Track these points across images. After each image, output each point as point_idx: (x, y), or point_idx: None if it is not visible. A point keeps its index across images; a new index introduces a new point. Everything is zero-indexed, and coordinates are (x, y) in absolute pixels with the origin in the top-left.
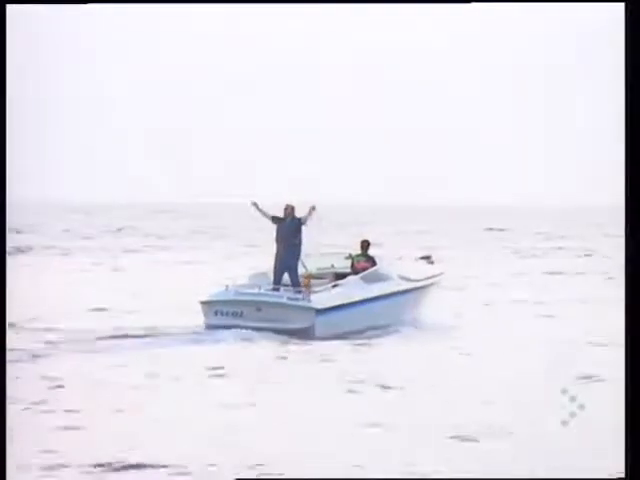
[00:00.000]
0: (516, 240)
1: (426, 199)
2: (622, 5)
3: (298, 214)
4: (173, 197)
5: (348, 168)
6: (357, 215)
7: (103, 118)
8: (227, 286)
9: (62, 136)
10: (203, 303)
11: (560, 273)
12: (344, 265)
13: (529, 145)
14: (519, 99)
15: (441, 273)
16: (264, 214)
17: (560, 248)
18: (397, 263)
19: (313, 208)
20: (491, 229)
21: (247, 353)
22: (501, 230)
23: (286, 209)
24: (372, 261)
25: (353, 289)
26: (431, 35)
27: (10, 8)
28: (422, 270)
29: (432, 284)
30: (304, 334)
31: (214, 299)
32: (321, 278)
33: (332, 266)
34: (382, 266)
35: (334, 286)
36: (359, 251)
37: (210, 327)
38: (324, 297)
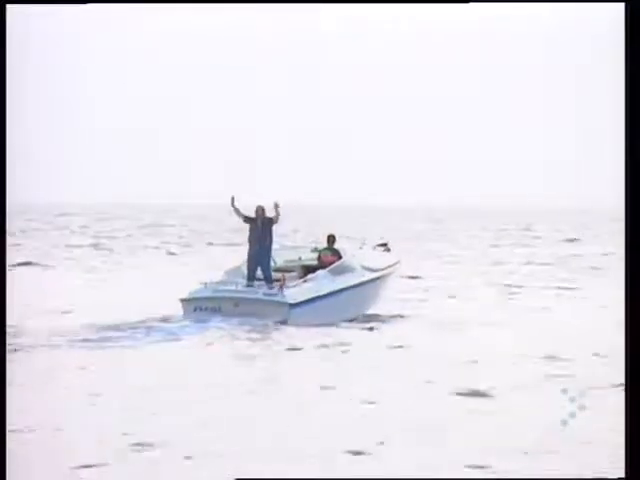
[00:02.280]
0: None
1: (425, 200)
2: (622, 5)
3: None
4: (174, 198)
5: (346, 169)
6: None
7: (103, 118)
8: (205, 284)
9: (61, 136)
10: (183, 300)
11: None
12: (311, 257)
13: (528, 146)
14: (519, 99)
15: (398, 262)
16: (237, 212)
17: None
18: (359, 253)
19: (277, 205)
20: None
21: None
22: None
23: (257, 210)
24: (338, 254)
25: (322, 283)
26: (430, 35)
27: (10, 8)
28: (381, 259)
29: (391, 272)
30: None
31: (193, 296)
32: (290, 270)
33: (299, 258)
34: (347, 259)
35: (305, 281)
36: (325, 245)
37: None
38: (296, 292)
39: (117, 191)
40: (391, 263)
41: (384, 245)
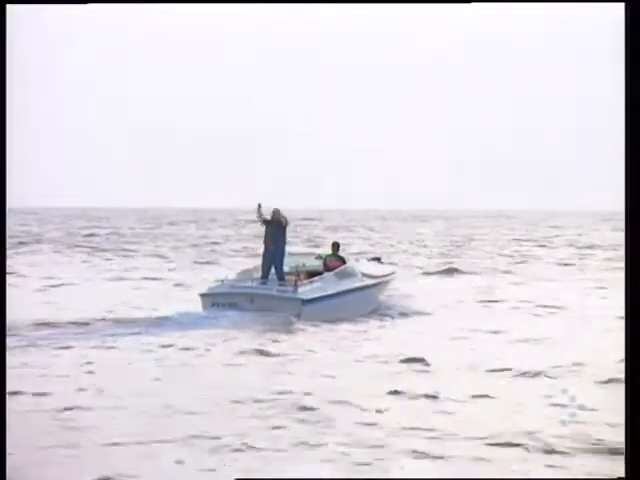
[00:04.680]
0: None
1: (424, 203)
2: (622, 5)
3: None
4: (170, 201)
5: (344, 172)
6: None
7: (102, 119)
8: (223, 280)
9: (61, 136)
10: (202, 295)
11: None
12: (314, 264)
13: (529, 147)
14: (518, 99)
15: (394, 272)
16: (261, 216)
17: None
18: (358, 264)
19: (277, 211)
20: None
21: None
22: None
23: (273, 214)
24: (342, 260)
25: (329, 284)
26: (431, 36)
27: (10, 8)
28: (379, 269)
29: (389, 280)
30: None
31: (212, 292)
32: (296, 274)
33: (303, 265)
34: (350, 265)
35: (312, 282)
36: (330, 251)
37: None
38: (307, 290)
39: (116, 193)
40: (388, 272)
41: (377, 259)
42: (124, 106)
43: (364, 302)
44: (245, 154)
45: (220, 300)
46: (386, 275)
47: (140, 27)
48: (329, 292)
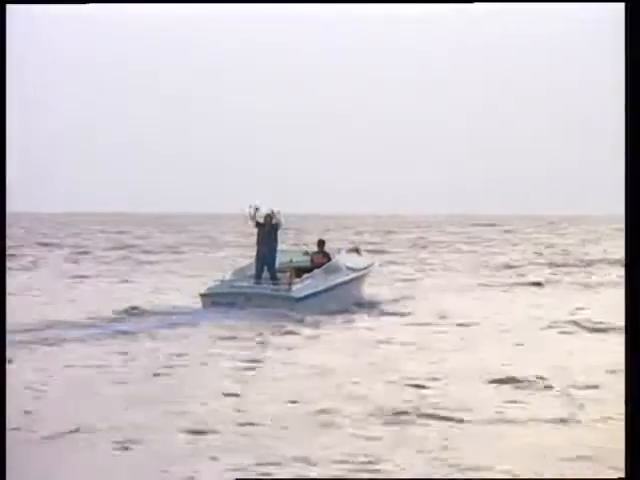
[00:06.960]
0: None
1: (422, 205)
2: (622, 5)
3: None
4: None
5: (341, 176)
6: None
7: (102, 121)
8: (222, 281)
9: (61, 138)
10: (202, 295)
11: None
12: (302, 259)
13: (528, 147)
14: (518, 99)
15: (373, 263)
16: (253, 218)
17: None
18: (341, 256)
19: (277, 212)
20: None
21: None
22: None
23: (266, 217)
24: (327, 256)
25: (318, 280)
26: (433, 36)
27: (10, 8)
28: (360, 261)
29: (369, 272)
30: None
31: (212, 292)
32: (284, 270)
33: (291, 260)
34: (335, 260)
35: (304, 279)
36: (316, 249)
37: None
38: (300, 288)
39: (114, 197)
40: (368, 264)
41: (356, 250)
42: (124, 108)
43: (349, 294)
44: (242, 157)
45: (219, 299)
46: (367, 267)
47: (141, 27)
48: (319, 288)
